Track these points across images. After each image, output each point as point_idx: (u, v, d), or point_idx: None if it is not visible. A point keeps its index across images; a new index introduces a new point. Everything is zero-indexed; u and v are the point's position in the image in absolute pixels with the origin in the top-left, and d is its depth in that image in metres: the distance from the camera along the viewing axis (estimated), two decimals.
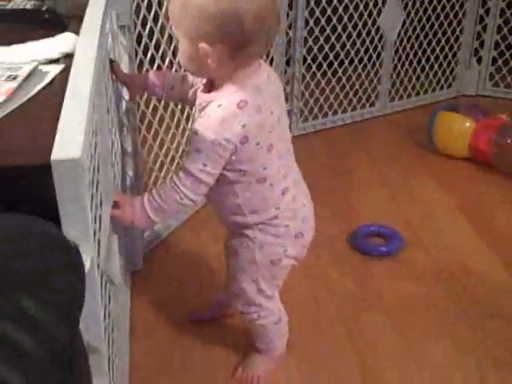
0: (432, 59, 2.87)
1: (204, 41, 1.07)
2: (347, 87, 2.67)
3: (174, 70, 1.78)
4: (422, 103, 2.87)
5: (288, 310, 1.42)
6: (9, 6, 1.38)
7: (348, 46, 2.60)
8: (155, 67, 1.73)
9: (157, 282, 1.74)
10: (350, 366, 1.48)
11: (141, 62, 1.66)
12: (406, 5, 2.66)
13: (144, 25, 1.65)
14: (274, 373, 1.46)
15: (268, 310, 1.35)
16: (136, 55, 1.61)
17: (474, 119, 2.29)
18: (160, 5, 1.72)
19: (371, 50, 2.66)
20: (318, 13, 2.45)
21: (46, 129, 0.79)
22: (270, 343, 1.43)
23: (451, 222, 2.03)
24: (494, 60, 2.89)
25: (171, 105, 1.85)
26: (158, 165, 1.86)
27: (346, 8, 2.52)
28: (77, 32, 1.13)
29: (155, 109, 1.78)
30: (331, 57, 2.59)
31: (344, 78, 2.66)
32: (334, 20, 2.52)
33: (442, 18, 2.78)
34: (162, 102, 1.78)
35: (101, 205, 1.01)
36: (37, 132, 0.85)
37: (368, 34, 2.62)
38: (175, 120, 1.90)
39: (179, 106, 1.89)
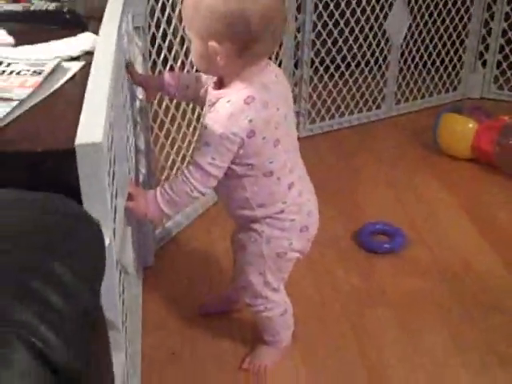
0: (437, 62, 2.90)
1: (214, 39, 1.13)
2: (354, 89, 2.71)
3: (186, 70, 1.83)
4: (427, 106, 2.90)
5: (294, 304, 1.46)
6: (32, 8, 1.44)
7: (355, 49, 2.65)
8: (168, 68, 1.78)
9: (167, 278, 1.78)
10: (355, 360, 1.51)
11: (154, 63, 1.71)
12: (412, 9, 2.70)
13: (158, 27, 1.69)
14: (281, 364, 1.49)
15: (274, 302, 1.40)
16: (150, 56, 1.66)
17: (476, 120, 2.33)
18: (173, 7, 1.77)
19: (377, 53, 2.71)
20: (325, 16, 2.50)
21: (69, 118, 0.86)
22: (276, 335, 1.47)
23: (454, 221, 2.06)
24: (499, 63, 2.93)
25: (183, 105, 1.90)
26: (169, 162, 1.91)
27: (353, 12, 2.56)
28: (96, 32, 1.19)
29: (167, 108, 1.83)
30: (338, 59, 2.64)
31: (351, 81, 2.70)
32: (342, 23, 2.56)
33: (447, 21, 2.82)
34: (174, 102, 1.83)
35: (116, 196, 1.06)
36: (60, 121, 0.92)
37: (374, 37, 2.67)
38: (186, 119, 1.95)
39: (190, 106, 1.94)
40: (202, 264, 1.85)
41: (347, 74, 2.70)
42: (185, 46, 1.81)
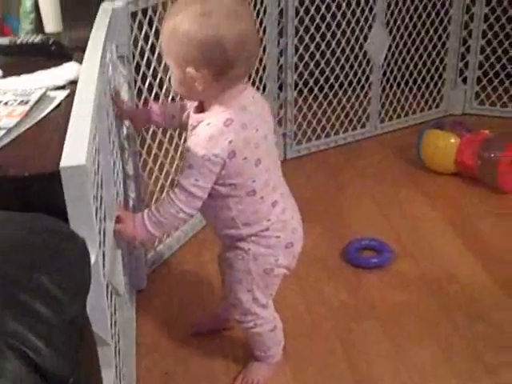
0: (419, 80, 2.95)
1: (191, 66, 1.18)
2: (338, 110, 2.76)
3: (171, 96, 1.88)
4: (411, 123, 2.93)
5: (284, 322, 1.49)
6: (18, 41, 1.49)
7: (337, 71, 2.70)
8: (153, 94, 1.82)
9: (160, 301, 1.81)
10: (345, 375, 1.54)
11: (139, 90, 1.74)
12: (391, 30, 2.75)
13: (142, 55, 1.73)
14: (272, 380, 1.52)
15: (263, 318, 1.43)
16: (135, 83, 1.70)
17: (458, 135, 2.37)
18: (157, 35, 1.82)
19: (360, 74, 2.75)
20: (307, 39, 2.55)
21: (55, 145, 0.90)
22: (267, 350, 1.49)
23: (439, 235, 2.10)
24: (479, 79, 2.98)
25: (169, 130, 1.94)
26: (158, 187, 1.94)
27: (333, 34, 2.62)
28: (80, 62, 1.24)
29: (154, 133, 1.86)
30: (322, 81, 2.68)
31: (335, 101, 2.74)
32: (323, 46, 2.61)
33: (426, 41, 2.88)
34: (161, 128, 1.87)
35: (104, 219, 1.10)
36: (46, 148, 0.96)
37: (356, 58, 2.72)
38: (173, 144, 1.98)
39: (177, 131, 1.98)
40: (194, 286, 1.88)
41: (331, 94, 2.74)
42: (169, 73, 1.85)
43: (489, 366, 1.53)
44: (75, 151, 0.83)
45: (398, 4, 2.74)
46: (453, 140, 2.37)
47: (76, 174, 0.81)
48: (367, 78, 2.77)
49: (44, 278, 0.64)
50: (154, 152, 1.90)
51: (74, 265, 0.72)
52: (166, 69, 1.86)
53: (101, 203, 1.02)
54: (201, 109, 1.28)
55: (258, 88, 2.33)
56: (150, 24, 1.76)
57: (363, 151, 2.75)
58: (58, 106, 1.14)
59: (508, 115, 2.96)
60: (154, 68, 1.81)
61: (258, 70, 2.33)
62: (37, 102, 1.12)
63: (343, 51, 2.69)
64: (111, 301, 1.12)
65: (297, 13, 2.48)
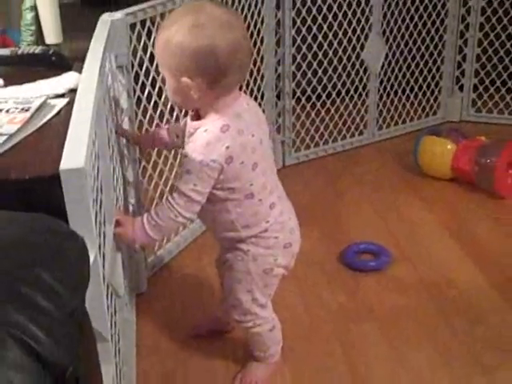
0: (416, 88, 2.98)
1: (185, 75, 1.21)
2: (336, 117, 2.79)
3: (169, 105, 1.91)
4: (408, 130, 2.95)
5: (283, 324, 1.51)
6: (19, 52, 1.53)
7: (335, 79, 2.73)
8: (152, 103, 1.86)
9: (160, 303, 1.84)
10: (344, 377, 1.55)
11: (138, 99, 1.77)
12: (388, 38, 2.78)
13: (141, 65, 1.76)
14: (271, 381, 1.54)
15: (263, 318, 1.45)
16: (134, 92, 1.73)
17: (454, 142, 2.40)
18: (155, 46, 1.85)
19: (357, 82, 2.79)
20: (304, 49, 2.59)
21: (55, 150, 0.94)
22: (266, 350, 1.52)
23: (437, 239, 2.12)
24: (476, 87, 3.01)
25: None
26: (158, 193, 1.97)
27: (330, 44, 2.65)
28: (80, 71, 1.28)
29: None
30: (319, 89, 2.72)
31: (333, 109, 2.78)
32: (320, 55, 2.65)
33: (422, 49, 2.91)
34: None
35: (104, 223, 1.13)
36: (47, 153, 1.00)
37: (353, 66, 2.75)
38: (172, 151, 2.02)
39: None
40: (194, 289, 1.90)
41: (329, 102, 2.77)
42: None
43: (487, 370, 1.54)
44: (74, 154, 0.87)
45: (394, 14, 2.77)
46: (449, 146, 2.40)
47: (75, 177, 0.84)
48: (364, 86, 2.80)
49: (45, 274, 0.67)
50: (153, 159, 1.93)
51: (74, 263, 0.76)
52: (165, 78, 1.89)
53: (100, 207, 1.06)
54: (197, 116, 1.31)
55: (256, 97, 2.36)
56: (149, 35, 1.79)
57: (361, 158, 2.78)
58: (58, 113, 1.17)
59: (505, 122, 2.99)
60: (153, 77, 1.84)
61: (256, 79, 2.37)
62: (37, 110, 1.16)
63: (340, 60, 2.72)
64: (111, 301, 1.15)
65: (294, 23, 2.51)
